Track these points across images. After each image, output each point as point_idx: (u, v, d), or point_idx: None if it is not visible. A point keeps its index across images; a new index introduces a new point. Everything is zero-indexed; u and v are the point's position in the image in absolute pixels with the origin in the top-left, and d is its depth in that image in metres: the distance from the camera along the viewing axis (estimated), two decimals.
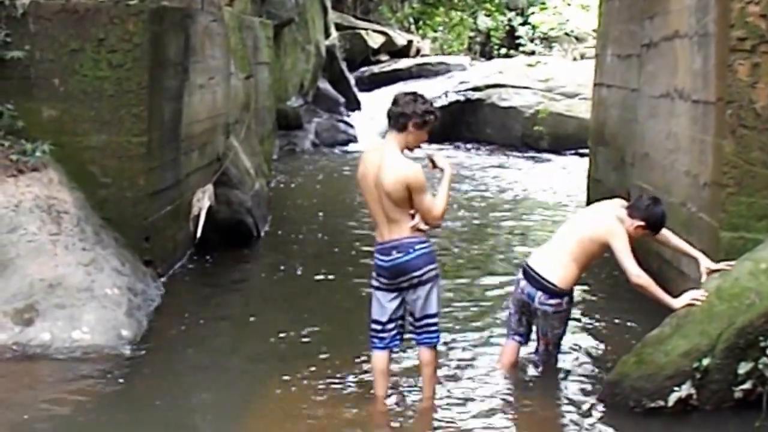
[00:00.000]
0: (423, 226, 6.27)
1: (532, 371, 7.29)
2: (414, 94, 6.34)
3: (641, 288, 6.72)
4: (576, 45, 30.41)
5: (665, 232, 7.15)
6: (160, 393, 6.70)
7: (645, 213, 6.95)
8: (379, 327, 6.50)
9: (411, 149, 6.29)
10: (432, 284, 6.33)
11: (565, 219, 14.12)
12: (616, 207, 7.12)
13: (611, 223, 6.89)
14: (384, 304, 6.45)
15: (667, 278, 8.76)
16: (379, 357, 6.56)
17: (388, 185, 6.13)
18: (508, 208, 15.27)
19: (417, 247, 6.25)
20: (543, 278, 6.99)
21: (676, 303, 6.60)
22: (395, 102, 6.28)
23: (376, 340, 6.54)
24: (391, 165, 6.15)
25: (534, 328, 7.26)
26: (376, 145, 6.54)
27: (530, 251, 11.74)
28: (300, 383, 6.91)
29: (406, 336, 6.70)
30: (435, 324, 6.42)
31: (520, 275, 7.19)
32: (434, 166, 6.42)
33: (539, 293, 7.00)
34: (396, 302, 6.42)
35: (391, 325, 6.48)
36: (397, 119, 6.22)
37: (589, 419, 6.50)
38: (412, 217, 6.23)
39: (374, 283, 6.50)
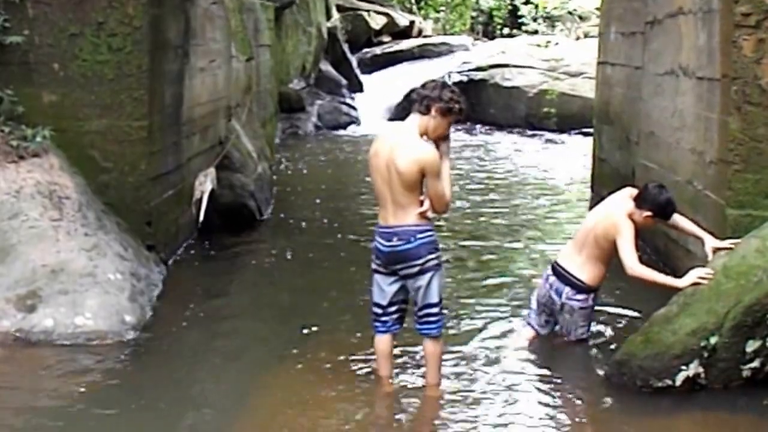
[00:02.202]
0: (431, 214, 6.20)
1: (539, 353, 7.27)
2: (444, 82, 6.37)
3: (639, 279, 6.80)
4: (579, 24, 30.30)
5: (676, 217, 7.16)
6: (163, 378, 6.68)
7: (651, 203, 7.02)
8: (380, 311, 6.45)
9: (430, 138, 6.19)
10: (433, 273, 6.23)
11: (569, 201, 14.21)
12: (625, 199, 7.18)
13: (618, 220, 6.99)
14: (384, 288, 6.39)
15: (674, 257, 8.74)
16: (381, 340, 6.51)
17: (401, 165, 6.03)
18: (513, 189, 15.23)
19: (419, 235, 6.16)
20: (572, 275, 7.21)
21: (681, 283, 6.57)
22: (423, 86, 6.27)
23: (377, 324, 6.49)
24: (406, 145, 6.08)
25: (557, 326, 7.42)
26: (394, 126, 6.46)
27: (538, 235, 11.85)
28: (303, 367, 6.89)
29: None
30: (436, 314, 6.33)
31: (549, 272, 7.39)
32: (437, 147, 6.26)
33: (567, 288, 7.21)
34: (396, 285, 6.35)
35: (392, 309, 6.42)
36: (421, 101, 6.18)
37: (597, 399, 6.48)
38: (421, 203, 6.16)
39: (373, 266, 6.43)
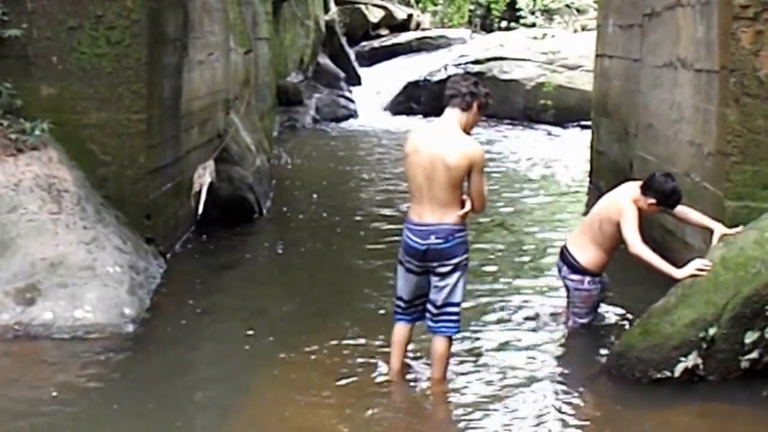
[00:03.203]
0: (471, 213, 6.21)
1: (538, 344, 7.29)
2: (475, 79, 6.38)
3: (639, 259, 6.89)
4: (577, 17, 30.27)
5: (685, 210, 7.23)
6: (163, 371, 6.69)
7: (656, 190, 7.12)
8: (405, 304, 6.45)
9: (467, 133, 6.22)
10: (462, 273, 6.25)
11: (567, 193, 14.22)
12: (633, 188, 7.32)
13: (621, 203, 7.17)
14: (411, 284, 6.38)
15: (671, 249, 8.74)
16: (401, 329, 6.51)
17: (452, 161, 6.03)
18: (511, 181, 15.23)
19: (457, 235, 6.17)
20: (570, 254, 7.47)
21: (679, 273, 6.60)
22: (457, 82, 6.25)
23: (402, 316, 6.49)
24: (455, 141, 6.09)
25: None
26: (430, 123, 6.44)
27: (535, 226, 11.87)
28: (304, 359, 6.89)
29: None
30: (456, 314, 6.32)
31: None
32: None
33: (565, 267, 7.49)
34: (424, 282, 6.34)
35: (417, 301, 6.42)
36: (463, 97, 6.19)
37: (595, 390, 6.49)
38: (463, 203, 6.16)
39: (403, 262, 6.38)
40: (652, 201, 7.10)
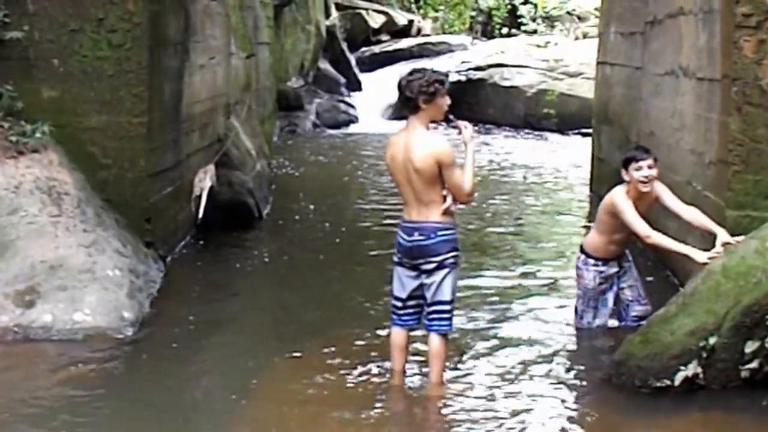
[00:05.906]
0: (453, 207, 6.27)
1: (537, 352, 7.28)
2: (412, 72, 6.35)
3: (655, 247, 6.96)
4: (578, 24, 30.31)
5: (694, 212, 7.18)
6: (161, 375, 6.67)
7: (624, 156, 7.41)
8: (399, 303, 6.49)
9: (437, 121, 6.31)
10: (449, 270, 6.29)
11: (568, 201, 14.23)
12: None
13: (613, 192, 7.31)
14: (404, 281, 6.43)
15: (672, 257, 8.74)
16: (397, 333, 6.56)
17: (418, 162, 6.12)
18: (511, 188, 15.24)
19: (440, 232, 6.23)
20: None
21: (697, 254, 6.68)
22: (402, 89, 6.26)
23: (395, 317, 6.54)
24: (418, 143, 6.16)
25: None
26: (400, 131, 6.47)
27: (535, 235, 11.87)
28: (303, 363, 6.88)
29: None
30: (447, 311, 6.36)
31: None
32: (459, 132, 6.43)
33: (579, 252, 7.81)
34: (418, 281, 6.39)
35: (411, 302, 6.46)
36: (407, 104, 6.24)
37: (595, 399, 6.48)
38: (445, 199, 6.22)
39: (395, 259, 6.49)
40: (624, 166, 7.21)
